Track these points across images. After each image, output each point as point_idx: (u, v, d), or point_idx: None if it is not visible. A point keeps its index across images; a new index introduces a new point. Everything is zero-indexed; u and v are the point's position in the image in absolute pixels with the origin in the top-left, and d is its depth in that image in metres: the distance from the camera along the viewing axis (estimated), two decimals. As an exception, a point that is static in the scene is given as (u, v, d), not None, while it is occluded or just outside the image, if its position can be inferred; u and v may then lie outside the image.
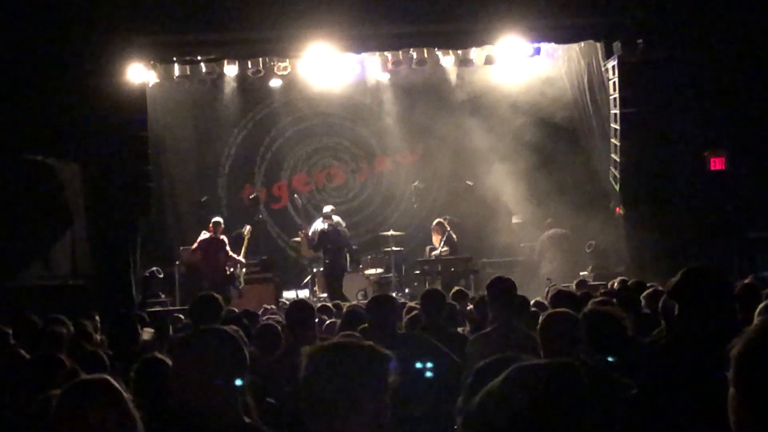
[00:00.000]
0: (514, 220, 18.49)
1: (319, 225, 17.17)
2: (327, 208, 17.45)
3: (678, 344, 4.17)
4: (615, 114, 16.10)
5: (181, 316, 10.94)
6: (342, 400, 2.84)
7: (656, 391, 3.80)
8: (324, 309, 10.45)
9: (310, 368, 2.92)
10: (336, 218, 17.26)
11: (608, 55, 16.21)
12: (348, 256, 17.37)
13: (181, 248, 17.74)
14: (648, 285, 9.64)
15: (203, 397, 3.34)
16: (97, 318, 10.24)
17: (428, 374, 4.97)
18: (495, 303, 6.82)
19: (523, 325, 6.81)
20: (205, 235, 16.75)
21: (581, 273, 16.16)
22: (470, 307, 9.43)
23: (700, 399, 2.72)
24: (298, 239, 18.45)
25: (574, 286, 11.91)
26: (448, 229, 17.17)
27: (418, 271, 17.72)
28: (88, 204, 14.98)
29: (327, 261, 17.01)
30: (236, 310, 9.73)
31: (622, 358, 4.83)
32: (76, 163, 14.92)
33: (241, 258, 16.95)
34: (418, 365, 4.80)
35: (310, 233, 17.23)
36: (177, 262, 17.28)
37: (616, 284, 11.17)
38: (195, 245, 16.76)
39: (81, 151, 14.71)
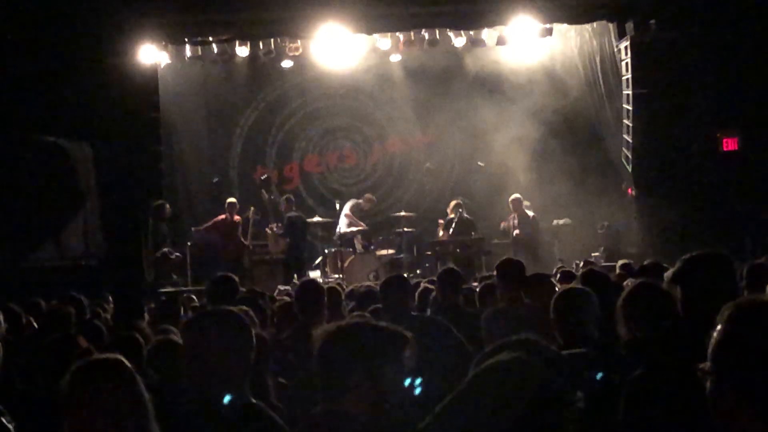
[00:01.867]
0: (525, 201, 18.42)
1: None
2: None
3: (679, 330, 4.15)
4: (627, 95, 16.05)
5: (193, 296, 10.96)
6: (336, 378, 2.85)
7: (655, 376, 3.78)
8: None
9: (319, 347, 2.94)
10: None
11: (621, 35, 16.14)
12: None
13: (193, 229, 17.79)
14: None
15: (210, 377, 3.36)
16: (110, 298, 10.31)
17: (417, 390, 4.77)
18: (503, 283, 6.79)
19: (535, 303, 6.77)
20: (221, 216, 17.08)
21: (593, 254, 16.15)
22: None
23: (693, 387, 2.66)
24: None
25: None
26: (460, 211, 17.07)
27: (429, 252, 17.73)
28: (99, 184, 15.01)
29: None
30: (243, 289, 9.75)
31: (669, 334, 4.65)
32: (88, 144, 14.93)
33: (247, 243, 17.14)
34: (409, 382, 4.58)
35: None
36: (189, 243, 17.32)
37: (618, 267, 11.05)
38: (210, 224, 17.17)
39: (93, 132, 14.71)
